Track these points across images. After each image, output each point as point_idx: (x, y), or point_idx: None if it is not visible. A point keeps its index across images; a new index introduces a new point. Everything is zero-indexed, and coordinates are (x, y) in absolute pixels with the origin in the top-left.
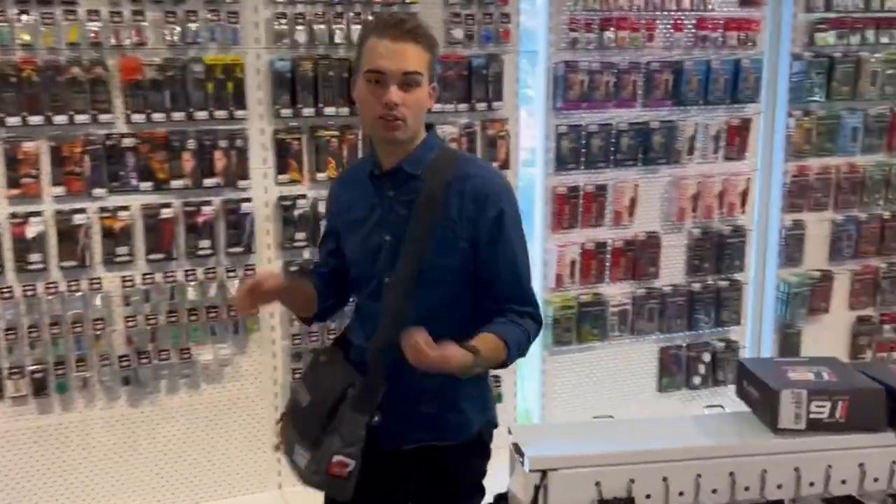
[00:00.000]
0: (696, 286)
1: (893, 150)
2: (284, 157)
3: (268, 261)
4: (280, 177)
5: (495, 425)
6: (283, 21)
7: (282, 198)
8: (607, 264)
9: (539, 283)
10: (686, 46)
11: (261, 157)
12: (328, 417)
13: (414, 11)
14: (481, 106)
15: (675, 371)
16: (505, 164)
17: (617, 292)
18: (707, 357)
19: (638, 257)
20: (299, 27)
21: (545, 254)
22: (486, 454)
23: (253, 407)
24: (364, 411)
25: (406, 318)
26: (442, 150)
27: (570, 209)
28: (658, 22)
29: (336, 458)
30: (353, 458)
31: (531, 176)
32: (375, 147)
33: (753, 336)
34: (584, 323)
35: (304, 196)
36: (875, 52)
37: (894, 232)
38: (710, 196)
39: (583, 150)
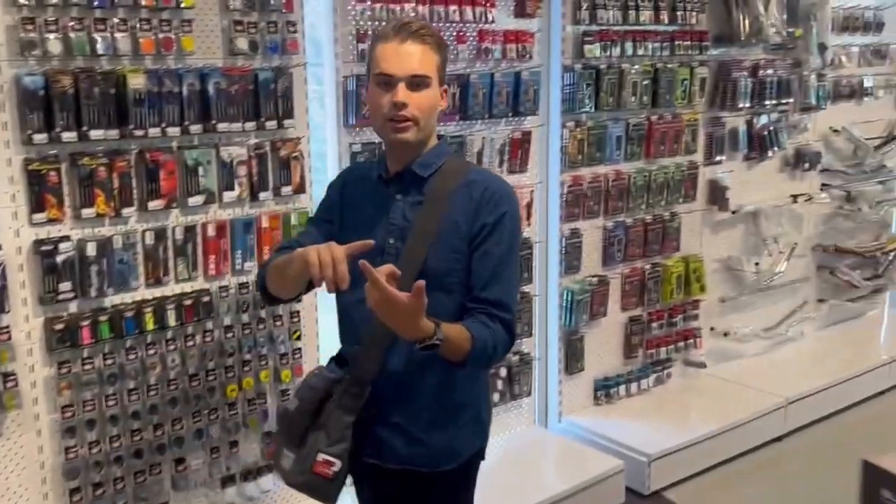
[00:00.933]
0: None
1: (651, 157)
2: (40, 191)
3: (25, 320)
4: (35, 216)
5: (483, 457)
6: (31, 28)
7: (39, 242)
8: None
9: None
10: (470, 59)
11: (8, 194)
12: (314, 415)
13: (188, 18)
14: (271, 124)
15: None
16: (300, 188)
17: None
18: (504, 372)
19: None
20: (51, 35)
21: None
22: (470, 486)
23: (18, 502)
24: (350, 410)
25: None
26: (452, 157)
27: None
28: (443, 34)
29: (321, 456)
30: (338, 458)
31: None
32: (386, 151)
33: (541, 346)
34: None
35: (67, 238)
36: (634, 63)
37: (656, 234)
38: None
39: None
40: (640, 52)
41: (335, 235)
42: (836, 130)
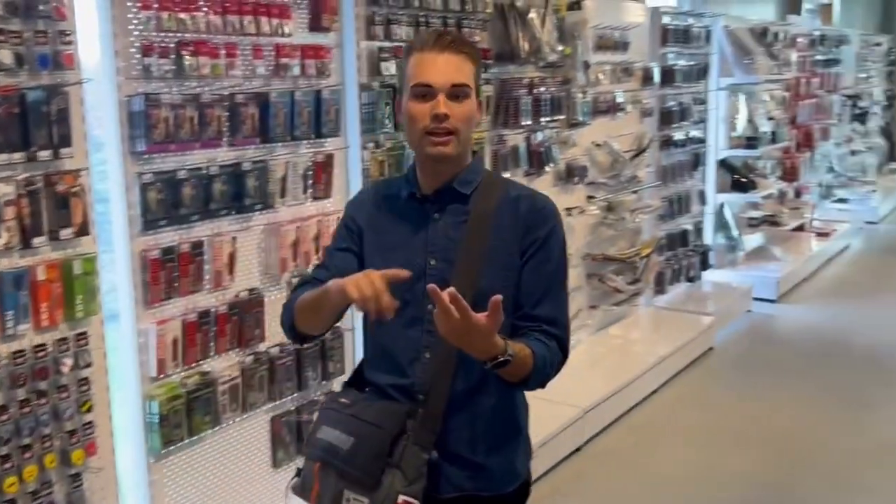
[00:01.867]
0: None
1: None
2: None
3: None
4: None
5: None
6: None
7: None
8: (212, 335)
9: (134, 373)
10: (268, 76)
11: None
12: (387, 455)
13: None
14: (44, 154)
15: (288, 441)
16: (83, 230)
17: (225, 366)
18: (315, 416)
19: (243, 320)
20: None
21: (140, 337)
22: None
23: None
24: (426, 445)
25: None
26: (487, 173)
27: (165, 276)
28: (238, 48)
29: (402, 498)
30: (417, 497)
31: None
32: (418, 167)
33: None
34: (196, 412)
35: None
36: None
37: None
38: (307, 241)
39: (173, 202)
40: None
41: (358, 261)
42: (598, 144)
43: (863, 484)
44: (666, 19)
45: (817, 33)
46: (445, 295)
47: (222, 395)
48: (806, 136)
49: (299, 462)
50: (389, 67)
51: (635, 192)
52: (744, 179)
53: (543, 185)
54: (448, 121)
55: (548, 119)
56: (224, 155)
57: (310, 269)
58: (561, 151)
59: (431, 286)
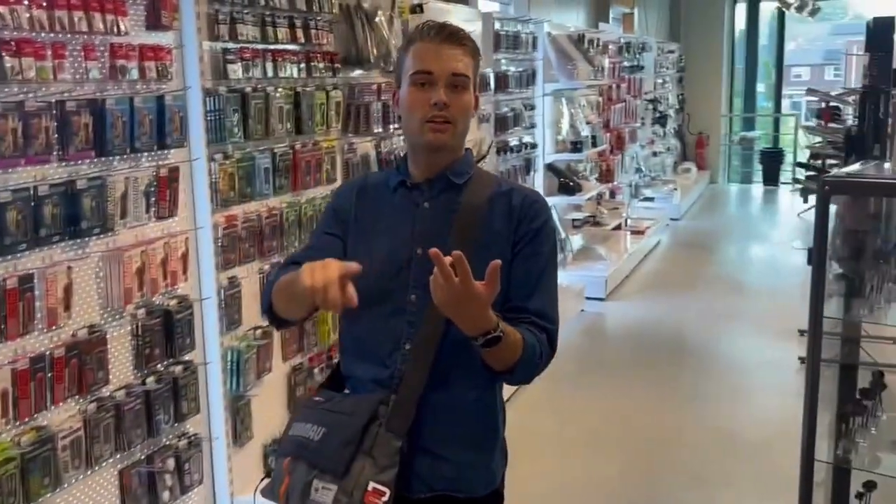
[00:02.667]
0: (151, 381)
1: (298, 189)
2: None
3: None
4: None
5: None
6: None
7: None
8: (48, 383)
9: None
10: (103, 80)
11: None
12: (358, 442)
13: None
14: None
15: (139, 494)
16: None
17: (65, 417)
18: (171, 463)
19: (83, 363)
20: None
21: None
22: None
23: None
24: (398, 432)
25: (445, 335)
26: (478, 169)
27: None
28: (68, 48)
29: (372, 485)
30: (388, 486)
31: None
32: (410, 158)
33: (205, 420)
34: (33, 474)
35: None
36: (277, 86)
37: None
38: (154, 267)
39: None
40: (282, 73)
41: (343, 247)
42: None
43: (721, 475)
44: (497, 25)
45: (623, 41)
46: (448, 259)
47: (63, 451)
48: (618, 138)
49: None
50: (237, 70)
51: None
52: (570, 182)
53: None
54: (447, 109)
55: (396, 126)
56: (54, 172)
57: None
58: None
59: (434, 250)
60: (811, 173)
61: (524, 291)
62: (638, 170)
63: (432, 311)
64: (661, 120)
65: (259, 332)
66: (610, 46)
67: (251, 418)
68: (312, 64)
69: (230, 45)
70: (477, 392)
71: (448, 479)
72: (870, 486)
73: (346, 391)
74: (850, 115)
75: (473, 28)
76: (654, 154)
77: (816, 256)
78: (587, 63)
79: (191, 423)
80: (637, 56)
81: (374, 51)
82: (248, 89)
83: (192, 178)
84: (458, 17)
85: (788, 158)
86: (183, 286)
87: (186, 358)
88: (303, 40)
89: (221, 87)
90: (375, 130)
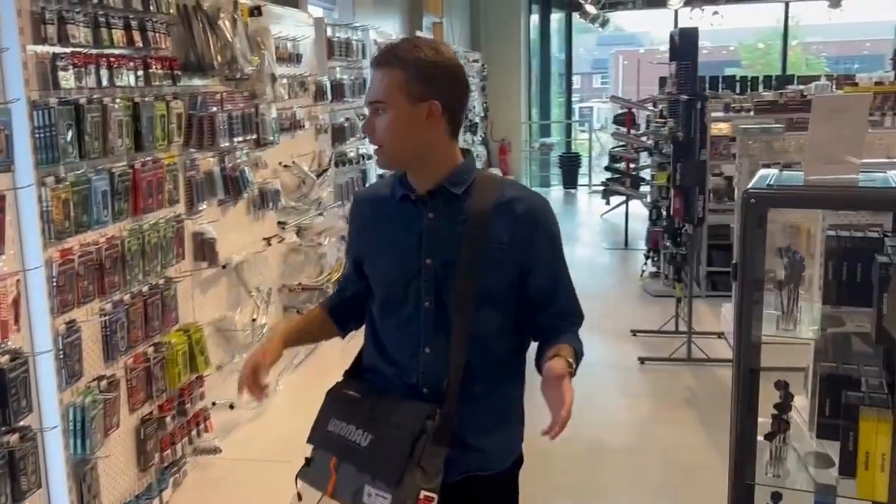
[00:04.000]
0: None
1: (140, 213)
2: None
3: None
4: None
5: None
6: None
7: None
8: None
9: None
10: None
11: None
12: (409, 454)
13: None
14: None
15: None
16: None
17: None
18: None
19: None
20: None
21: None
22: (517, 485)
23: None
24: (443, 443)
25: (471, 342)
26: (480, 172)
27: None
28: None
29: (423, 493)
30: (436, 493)
31: None
32: (408, 172)
33: (45, 496)
34: None
35: None
36: (115, 96)
37: (155, 308)
38: None
39: None
40: (119, 81)
41: (363, 263)
42: (286, 165)
43: (592, 486)
44: (329, 31)
45: None
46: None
47: None
48: None
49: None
50: (69, 79)
51: (321, 214)
52: None
53: (238, 214)
54: (374, 136)
55: (240, 139)
56: None
57: None
58: (253, 174)
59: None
60: (615, 176)
61: (551, 297)
62: None
63: (459, 316)
64: (472, 128)
65: (104, 382)
66: None
67: (99, 483)
68: (151, 71)
69: (60, 50)
70: (500, 383)
71: (478, 461)
72: (777, 497)
73: (367, 381)
74: (654, 122)
75: (307, 34)
76: None
77: (741, 276)
78: None
79: (31, 500)
80: None
81: (218, 56)
82: (83, 100)
83: (20, 208)
84: (292, 21)
85: (585, 163)
86: (14, 338)
87: (23, 424)
88: (140, 44)
89: (52, 98)
90: (222, 144)
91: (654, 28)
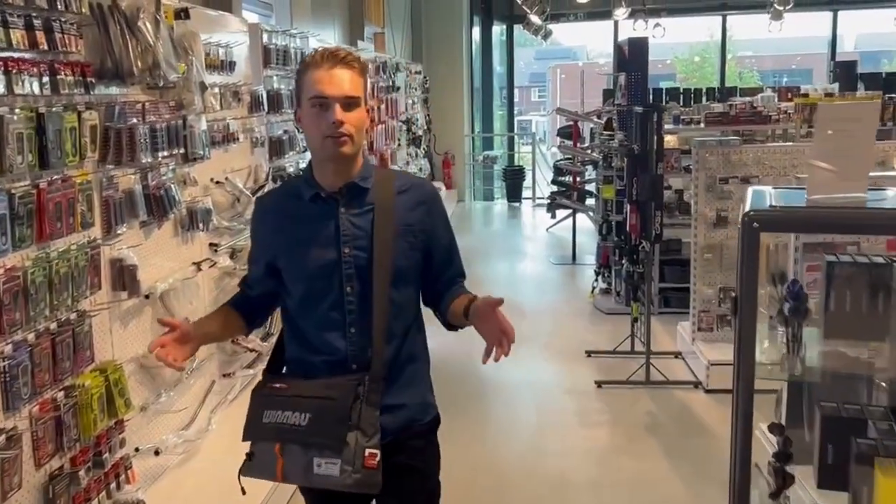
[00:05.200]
0: None
1: (46, 239)
2: None
3: None
4: None
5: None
6: None
7: None
8: None
9: None
10: None
11: None
12: (347, 419)
13: None
14: None
15: None
16: None
17: None
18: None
19: None
20: None
21: None
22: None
23: None
24: (375, 404)
25: (390, 315)
26: (376, 170)
27: None
28: None
29: (367, 451)
30: (377, 448)
31: None
32: (316, 170)
33: None
34: None
35: None
36: (14, 106)
37: (66, 347)
38: None
39: None
40: (19, 89)
41: (277, 264)
42: (218, 182)
43: None
44: (265, 38)
45: (379, 60)
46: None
47: None
48: (382, 160)
49: None
50: None
51: None
52: None
53: (163, 237)
54: (343, 126)
55: (165, 154)
56: None
57: None
58: (181, 193)
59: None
60: (561, 189)
61: (447, 263)
62: None
63: (378, 293)
64: (416, 141)
65: (2, 438)
66: (369, 65)
67: None
68: (59, 77)
69: None
70: (410, 342)
71: (404, 420)
72: None
73: (290, 373)
74: (601, 134)
75: (241, 41)
76: None
77: (745, 307)
78: None
79: None
80: (392, 76)
81: (138, 62)
82: None
83: None
84: (224, 27)
85: (528, 176)
86: None
87: None
88: (45, 46)
89: None
90: (143, 160)
91: (589, 42)
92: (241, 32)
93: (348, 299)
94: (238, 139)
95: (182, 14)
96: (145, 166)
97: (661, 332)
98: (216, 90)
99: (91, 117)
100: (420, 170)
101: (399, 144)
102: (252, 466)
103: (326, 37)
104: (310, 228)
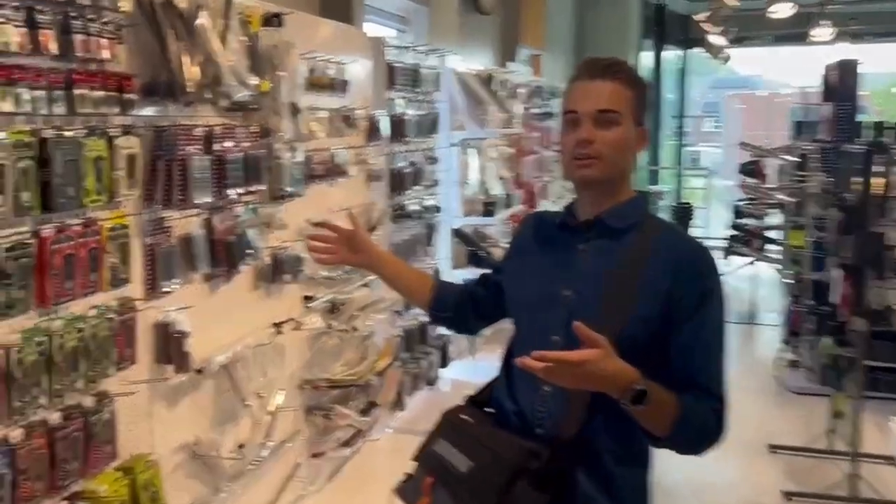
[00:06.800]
0: None
1: (49, 303)
2: None
3: None
4: None
5: None
6: None
7: None
8: None
9: None
10: None
11: None
12: (504, 492)
13: None
14: None
15: None
16: None
17: None
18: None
19: None
20: None
21: None
22: None
23: None
24: (545, 491)
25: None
26: (650, 216)
27: None
28: None
29: None
30: None
31: None
32: (575, 198)
33: None
34: None
35: None
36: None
37: (72, 444)
38: None
39: None
40: (7, 106)
41: (502, 282)
42: (316, 223)
43: None
44: (392, 54)
45: (534, 84)
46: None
47: None
48: (529, 195)
49: None
50: None
51: (366, 284)
52: (480, 252)
53: (237, 292)
54: (591, 146)
55: (240, 190)
56: None
57: None
58: (263, 238)
59: (577, 323)
60: (739, 234)
61: (689, 363)
62: None
63: None
64: None
65: None
66: (520, 90)
67: None
68: (79, 91)
69: None
70: (629, 430)
71: None
72: None
73: (492, 410)
74: (791, 174)
75: (358, 57)
76: None
77: None
78: (499, 108)
79: None
80: (547, 102)
81: (196, 74)
82: None
83: None
84: (337, 39)
85: (697, 214)
86: None
87: None
88: (57, 51)
89: None
90: (199, 200)
91: (767, 70)
92: (359, 47)
93: (552, 349)
94: (348, 172)
95: (274, 20)
96: (209, 207)
97: (867, 424)
98: (323, 114)
99: (128, 144)
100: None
101: (553, 177)
102: (405, 489)
103: (473, 57)
104: (542, 256)
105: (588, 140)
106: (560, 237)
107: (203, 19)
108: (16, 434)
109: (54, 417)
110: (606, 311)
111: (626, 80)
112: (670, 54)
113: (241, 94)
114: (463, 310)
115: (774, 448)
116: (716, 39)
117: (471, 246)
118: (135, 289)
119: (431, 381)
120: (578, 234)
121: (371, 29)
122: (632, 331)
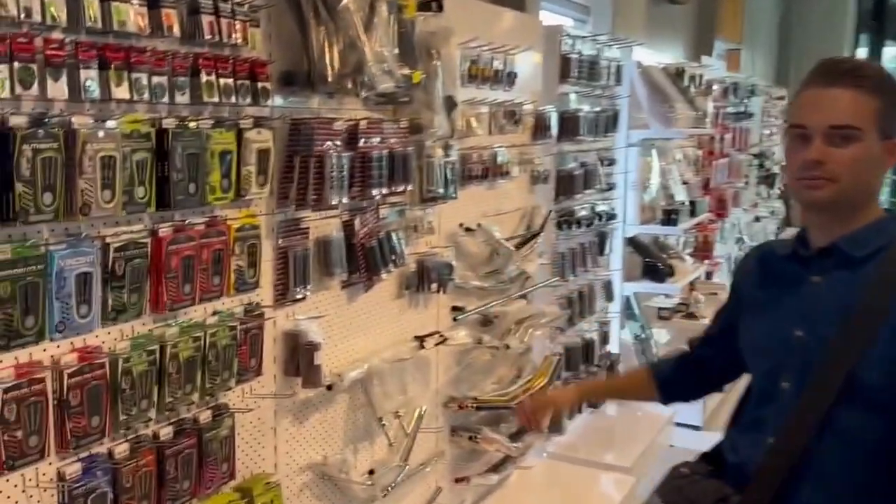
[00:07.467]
0: None
1: (163, 308)
2: None
3: None
4: None
5: None
6: None
7: None
8: None
9: None
10: None
11: None
12: None
13: None
14: None
15: None
16: None
17: None
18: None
19: None
20: None
21: None
22: None
23: None
24: None
25: (808, 439)
26: None
27: None
28: None
29: None
30: None
31: None
32: (806, 220)
33: None
34: None
35: None
36: (108, 118)
37: (184, 462)
38: None
39: None
40: (122, 93)
41: (737, 326)
42: (469, 229)
43: None
44: (568, 44)
45: (729, 81)
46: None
47: None
48: (719, 202)
49: None
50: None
51: (523, 295)
52: (658, 264)
53: (378, 301)
54: (822, 168)
55: (384, 191)
56: None
57: None
58: (409, 243)
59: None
60: None
61: None
62: (739, 240)
63: (805, 403)
64: (769, 179)
65: None
66: (714, 87)
67: None
68: (205, 79)
69: None
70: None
71: None
72: None
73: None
74: None
75: (529, 46)
76: (757, 219)
77: None
78: (688, 105)
79: None
80: (745, 101)
81: (336, 62)
82: (25, 124)
83: None
84: (507, 27)
85: None
86: None
87: None
88: (178, 32)
89: None
90: (336, 200)
91: None
92: (531, 36)
93: (781, 397)
94: (509, 173)
95: (433, 4)
96: (349, 208)
97: None
98: (482, 109)
99: (260, 137)
100: (772, 213)
101: (746, 183)
102: None
103: (663, 50)
104: (772, 292)
105: (818, 161)
106: (790, 269)
107: (350, 3)
108: (121, 449)
109: (165, 432)
110: (840, 351)
111: (871, 88)
112: (892, 51)
113: (387, 85)
114: (690, 379)
115: None
116: None
117: (647, 257)
118: (263, 294)
119: (595, 404)
120: (812, 265)
121: (546, 18)
122: (869, 374)
